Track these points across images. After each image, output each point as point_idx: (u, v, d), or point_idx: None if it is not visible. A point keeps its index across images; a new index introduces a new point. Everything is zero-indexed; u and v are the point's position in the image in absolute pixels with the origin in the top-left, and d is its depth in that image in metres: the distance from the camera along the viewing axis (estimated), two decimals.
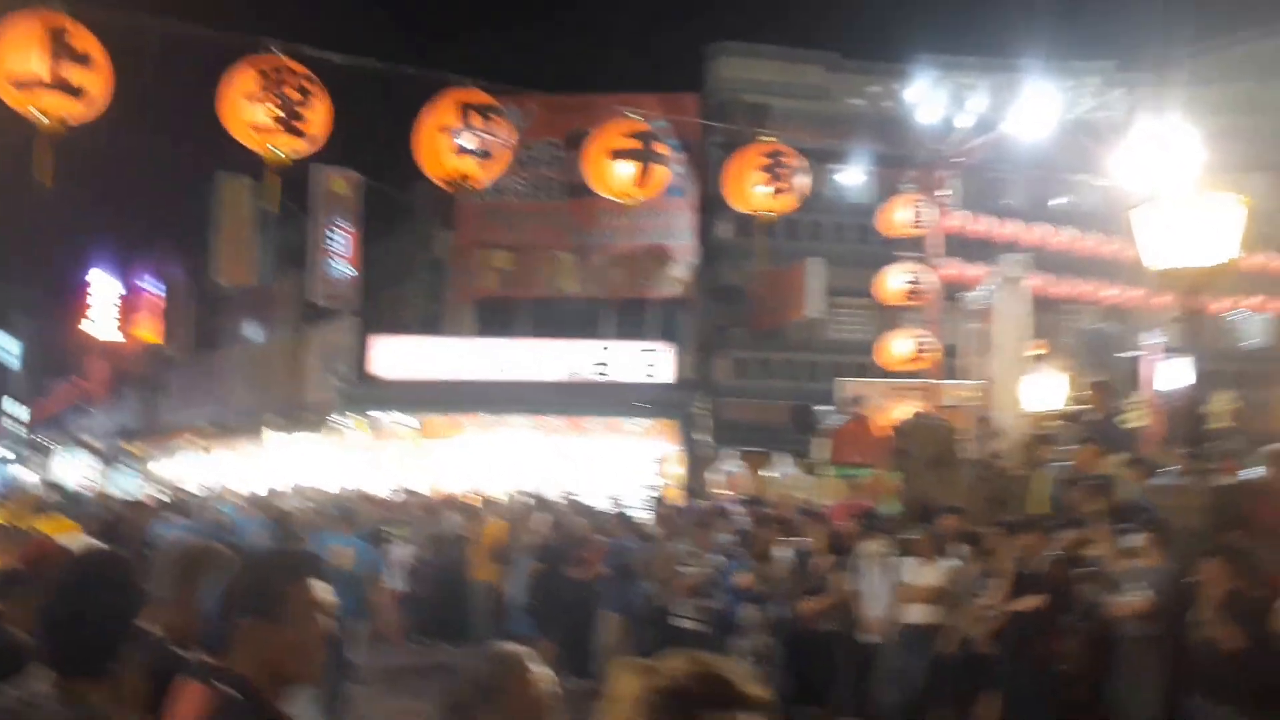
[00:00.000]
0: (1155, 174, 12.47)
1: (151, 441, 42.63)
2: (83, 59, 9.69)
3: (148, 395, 46.51)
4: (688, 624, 13.18)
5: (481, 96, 11.46)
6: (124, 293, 47.68)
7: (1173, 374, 15.45)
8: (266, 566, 3.47)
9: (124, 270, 48.81)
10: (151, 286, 45.99)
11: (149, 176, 47.84)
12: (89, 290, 48.34)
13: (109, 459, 44.90)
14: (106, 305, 47.79)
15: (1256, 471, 10.74)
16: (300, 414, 31.79)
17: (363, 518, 16.50)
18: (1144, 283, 18.60)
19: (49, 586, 3.75)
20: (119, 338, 47.09)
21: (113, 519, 17.33)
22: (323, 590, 3.35)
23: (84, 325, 47.17)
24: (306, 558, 3.71)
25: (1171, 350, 15.24)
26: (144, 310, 46.15)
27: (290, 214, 30.90)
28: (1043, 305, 21.89)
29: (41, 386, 64.20)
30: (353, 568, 12.19)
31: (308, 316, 32.94)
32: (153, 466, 40.14)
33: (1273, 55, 32.31)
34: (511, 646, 3.11)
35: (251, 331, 39.23)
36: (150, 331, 45.35)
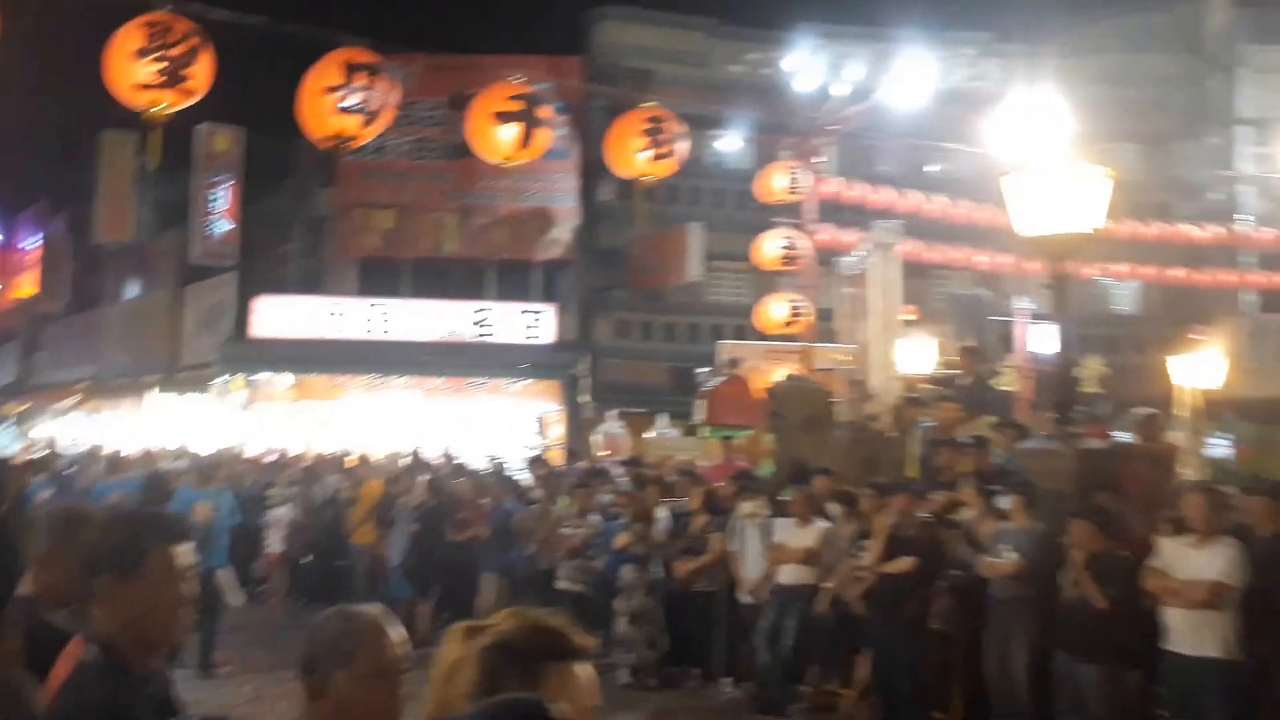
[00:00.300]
0: (1027, 143, 12.55)
1: (29, 400, 41.55)
2: None
3: (24, 353, 45.43)
4: (569, 586, 13.20)
5: (366, 55, 11.45)
6: (2, 246, 46.50)
7: (1043, 339, 15.67)
8: (128, 527, 3.39)
9: (4, 228, 47.60)
10: (30, 243, 44.88)
11: (28, 133, 46.49)
12: None
13: None
14: None
15: (1124, 435, 10.91)
16: (181, 373, 31.31)
17: (224, 474, 16.27)
18: (1016, 249, 18.79)
19: None
20: None
21: None
22: (184, 553, 3.28)
23: None
24: (168, 519, 3.64)
25: (1041, 316, 15.43)
26: (20, 265, 45.07)
27: (172, 171, 30.25)
28: (916, 271, 22.11)
29: None
30: (214, 521, 12.78)
31: (187, 275, 32.22)
32: (30, 426, 39.15)
33: (1142, 28, 32.74)
34: (366, 607, 3.05)
35: (131, 289, 38.26)
36: (27, 287, 44.26)
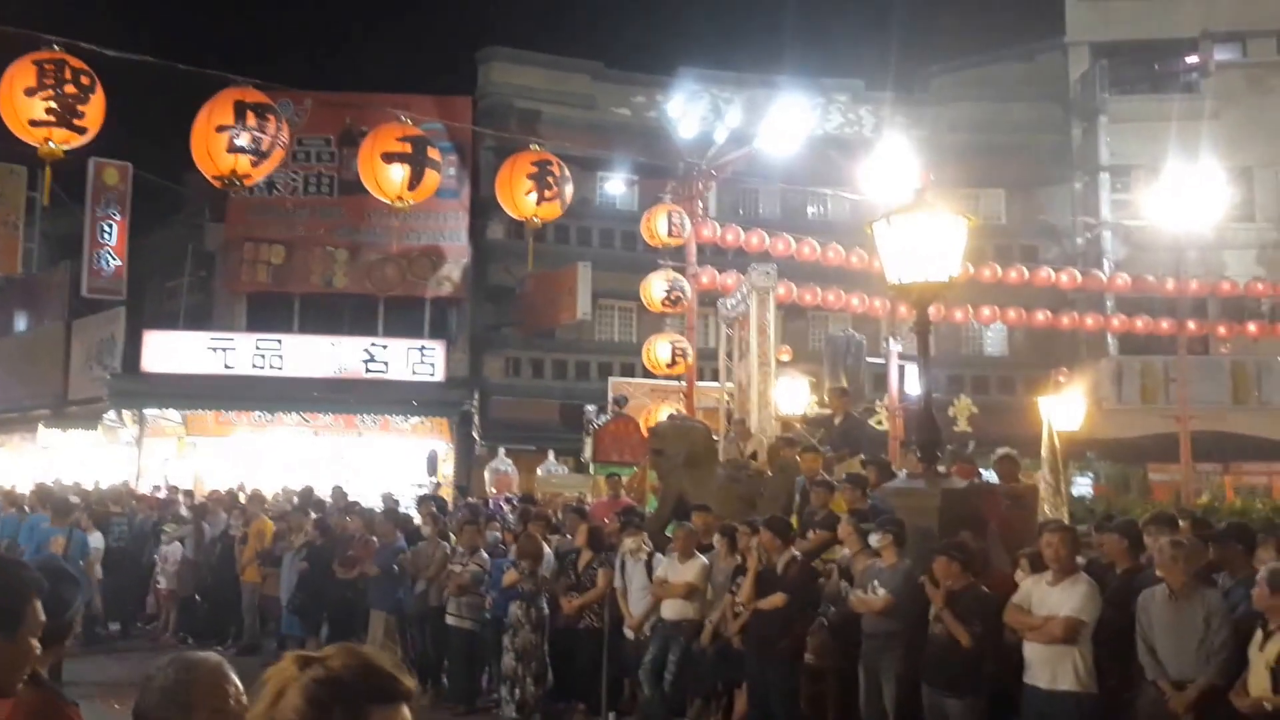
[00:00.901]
0: (896, 189, 12.97)
1: None
2: None
3: None
4: (458, 622, 13.32)
5: (257, 95, 11.61)
6: None
7: (913, 380, 16.12)
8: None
9: None
10: None
11: None
12: None
13: None
14: None
15: (988, 474, 11.30)
16: (70, 408, 30.83)
17: (74, 508, 16.34)
18: (888, 293, 19.35)
19: None
20: None
21: None
22: (39, 609, 3.29)
23: None
24: (34, 576, 3.57)
25: (911, 357, 15.87)
26: None
27: (59, 204, 29.93)
28: (795, 312, 22.70)
29: None
30: (66, 554, 13.49)
31: (76, 308, 31.61)
32: None
33: (1007, 77, 33.86)
34: (205, 655, 3.05)
35: (19, 323, 37.36)
36: None
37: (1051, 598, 8.31)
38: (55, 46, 10.74)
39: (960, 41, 36.18)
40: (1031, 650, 8.34)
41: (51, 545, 12.81)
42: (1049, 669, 8.21)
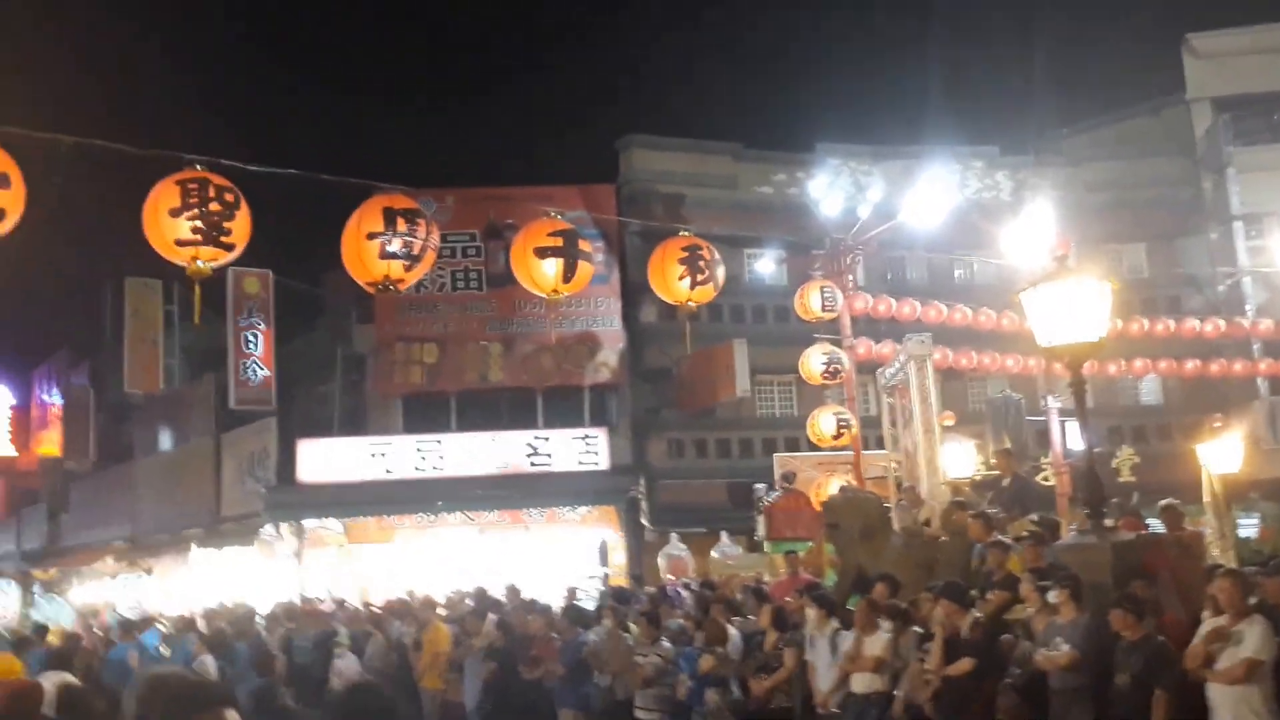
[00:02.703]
0: (1040, 252, 14.16)
1: (59, 563, 42.31)
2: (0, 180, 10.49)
3: (50, 514, 45.80)
4: (647, 714, 14.30)
5: (405, 201, 12.80)
6: (21, 404, 47.64)
7: (1075, 436, 17.18)
8: (180, 696, 3.85)
9: (20, 383, 48.85)
10: (51, 398, 46.02)
11: (43, 285, 48.16)
12: None
13: (23, 586, 44.29)
14: (1, 421, 47.76)
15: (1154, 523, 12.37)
16: (224, 524, 32.08)
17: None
18: (1041, 352, 20.57)
19: None
20: (11, 453, 47.00)
21: (65, 651, 17.39)
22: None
23: None
24: (216, 688, 4.13)
25: (1070, 414, 16.86)
26: (41, 423, 46.20)
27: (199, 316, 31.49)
28: (950, 375, 23.84)
29: None
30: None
31: (225, 421, 33.13)
32: (65, 590, 39.90)
33: (1135, 134, 36.26)
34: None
35: (164, 440, 38.69)
36: (50, 445, 45.30)
37: (1229, 641, 9.36)
38: (198, 166, 11.59)
39: (1087, 103, 38.34)
40: (1214, 692, 9.35)
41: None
42: (1232, 710, 9.22)
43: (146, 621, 21.76)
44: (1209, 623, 9.72)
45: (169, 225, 11.37)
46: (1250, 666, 9.19)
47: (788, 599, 15.15)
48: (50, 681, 7.66)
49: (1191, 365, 26.86)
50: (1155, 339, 24.79)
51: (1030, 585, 11.29)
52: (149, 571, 35.57)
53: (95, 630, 22.40)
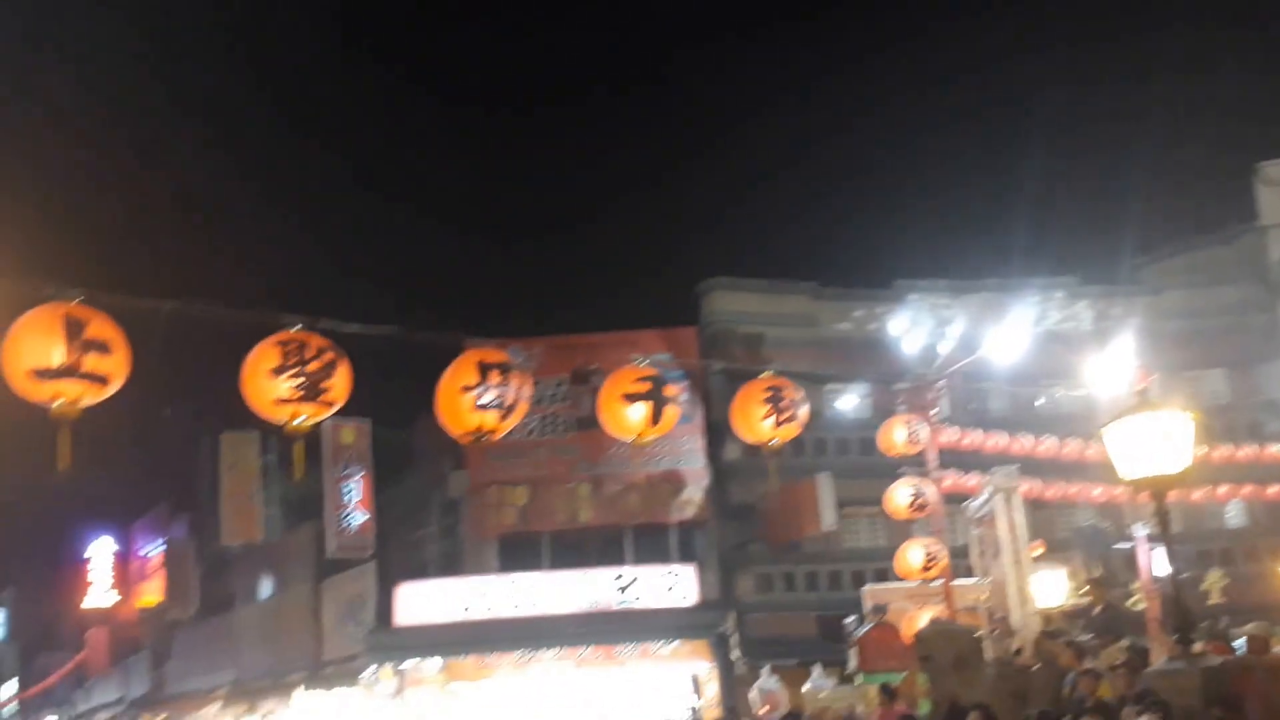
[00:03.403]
0: (1121, 380, 14.60)
1: (163, 710, 42.99)
2: (102, 347, 10.65)
3: (154, 662, 46.75)
4: None
5: (498, 355, 12.82)
6: (122, 555, 48.67)
7: (1163, 562, 17.46)
8: None
9: (122, 535, 49.97)
10: (152, 549, 47.05)
11: (142, 441, 49.37)
12: (86, 558, 49.28)
13: None
14: (104, 571, 48.77)
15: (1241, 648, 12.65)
16: (326, 668, 32.73)
17: None
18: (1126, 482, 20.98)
19: None
20: (117, 602, 47.93)
21: None
22: None
23: (83, 594, 47.97)
24: None
25: (1157, 539, 17.17)
26: (143, 573, 47.20)
27: (290, 466, 32.23)
28: (1037, 506, 24.11)
29: (35, 662, 64.24)
30: None
31: (324, 569, 33.84)
32: None
33: (1213, 261, 36.21)
34: None
35: (264, 589, 39.70)
36: (152, 595, 46.24)
37: None
38: (297, 326, 11.57)
39: (1163, 232, 39.05)
40: None
41: None
42: None
43: None
44: None
45: (269, 385, 11.40)
46: None
47: None
48: None
49: (1274, 489, 26.87)
50: (1238, 464, 25.07)
51: (1130, 709, 11.54)
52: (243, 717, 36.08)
53: None
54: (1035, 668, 15.23)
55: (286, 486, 37.90)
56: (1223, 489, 25.53)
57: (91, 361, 10.60)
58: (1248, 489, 26.21)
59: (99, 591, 48.70)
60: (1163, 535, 12.06)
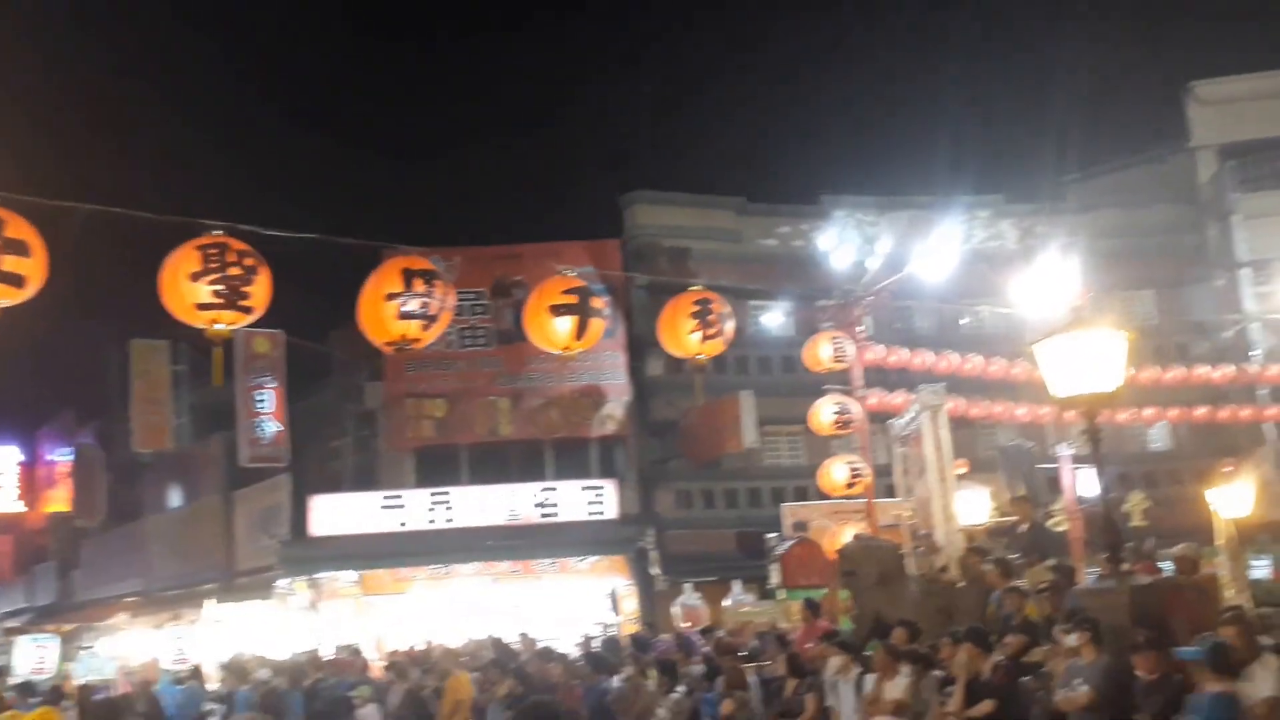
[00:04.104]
0: (1054, 300, 14.42)
1: (70, 619, 42.30)
2: (20, 248, 10.71)
3: (61, 571, 45.86)
4: None
5: (423, 262, 12.93)
6: (28, 463, 47.72)
7: (1087, 482, 17.43)
8: None
9: (27, 443, 48.92)
10: (59, 456, 46.14)
11: (48, 348, 48.31)
12: None
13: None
14: (9, 478, 47.81)
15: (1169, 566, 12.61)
16: (238, 579, 32.46)
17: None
18: (1052, 400, 20.93)
19: None
20: (22, 510, 47.06)
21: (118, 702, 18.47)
22: None
23: None
24: None
25: (1082, 460, 17.13)
26: (49, 480, 46.30)
27: (203, 375, 31.68)
28: (962, 424, 24.11)
29: None
30: None
31: (236, 479, 33.52)
32: (81, 646, 39.71)
33: (1139, 181, 36.28)
34: None
35: (173, 497, 39.30)
36: (59, 503, 45.44)
37: (1246, 686, 9.52)
38: (218, 231, 11.75)
39: (1093, 151, 38.72)
40: None
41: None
42: None
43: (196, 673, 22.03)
44: None
45: (189, 290, 11.52)
46: (1271, 706, 9.30)
47: (808, 645, 15.24)
48: None
49: (1200, 412, 27.07)
50: (1164, 386, 25.16)
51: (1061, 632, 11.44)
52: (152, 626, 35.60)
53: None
54: (961, 585, 15.18)
55: (197, 395, 37.27)
56: (1149, 411, 25.66)
57: (10, 262, 10.57)
58: (1174, 412, 26.33)
59: (4, 499, 47.65)
60: (1093, 455, 11.95)
